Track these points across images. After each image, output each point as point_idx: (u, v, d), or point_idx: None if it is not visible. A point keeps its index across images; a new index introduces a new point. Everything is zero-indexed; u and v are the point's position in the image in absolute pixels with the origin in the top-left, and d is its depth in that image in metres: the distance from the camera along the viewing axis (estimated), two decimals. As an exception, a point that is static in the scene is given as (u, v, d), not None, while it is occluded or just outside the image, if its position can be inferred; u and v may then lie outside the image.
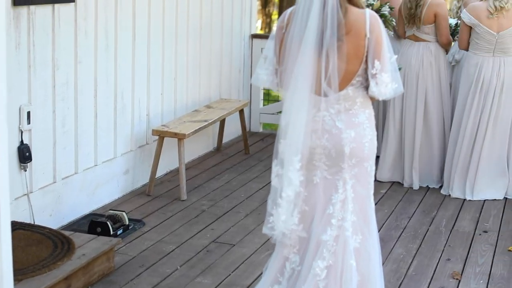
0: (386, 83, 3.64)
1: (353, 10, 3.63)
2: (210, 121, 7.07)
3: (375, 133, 3.81)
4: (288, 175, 3.62)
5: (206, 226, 5.94)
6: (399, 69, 3.95)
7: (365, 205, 3.79)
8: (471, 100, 6.65)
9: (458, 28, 7.07)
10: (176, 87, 7.35)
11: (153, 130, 6.68)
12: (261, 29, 24.41)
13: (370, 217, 3.80)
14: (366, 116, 3.74)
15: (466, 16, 6.60)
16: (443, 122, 7.12)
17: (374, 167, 3.83)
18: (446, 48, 7.00)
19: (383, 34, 3.66)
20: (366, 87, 3.71)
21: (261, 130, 9.23)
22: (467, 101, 6.68)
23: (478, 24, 6.55)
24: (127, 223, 5.79)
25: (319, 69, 3.60)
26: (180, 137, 6.57)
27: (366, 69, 3.66)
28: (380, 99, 3.70)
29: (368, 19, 3.62)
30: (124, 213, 5.80)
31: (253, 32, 9.00)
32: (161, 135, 6.63)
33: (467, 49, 6.76)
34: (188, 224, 5.97)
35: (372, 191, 3.82)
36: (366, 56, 3.63)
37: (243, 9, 8.75)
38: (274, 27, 3.81)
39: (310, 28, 3.56)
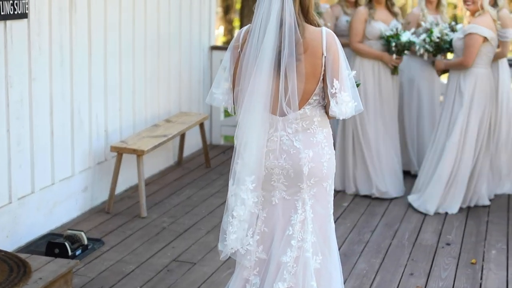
0: (346, 102, 3.59)
1: (310, 28, 3.58)
2: (169, 136, 6.97)
3: (334, 152, 3.76)
4: (240, 194, 3.57)
5: (167, 244, 5.83)
6: (358, 85, 3.88)
7: (325, 225, 3.74)
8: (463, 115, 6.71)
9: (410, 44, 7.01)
10: (134, 101, 7.24)
11: (111, 147, 6.56)
12: (223, 35, 24.41)
13: (330, 236, 3.75)
14: (324, 135, 3.69)
15: (486, 32, 6.53)
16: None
17: (333, 186, 3.78)
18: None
19: (340, 52, 3.60)
20: (324, 106, 3.66)
21: (222, 142, 9.15)
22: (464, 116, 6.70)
23: (495, 37, 6.59)
24: (85, 243, 5.67)
25: (276, 88, 3.54)
26: (139, 154, 6.46)
27: (323, 88, 3.61)
28: (341, 118, 3.64)
29: (325, 37, 3.57)
30: (82, 233, 5.67)
31: (212, 44, 8.91)
32: (119, 152, 6.52)
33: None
34: (148, 243, 5.87)
35: (331, 210, 3.77)
36: (324, 75, 3.58)
37: (202, 21, 8.67)
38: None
39: (267, 47, 3.49)
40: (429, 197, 6.64)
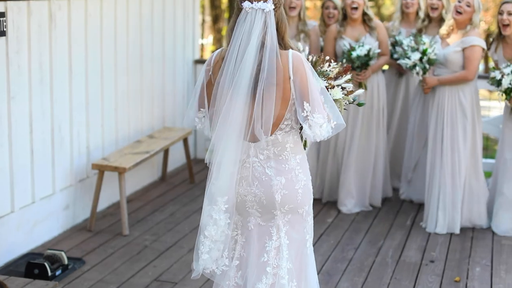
0: (319, 124, 3.51)
1: (281, 52, 3.53)
2: (152, 153, 6.91)
3: (310, 177, 3.70)
4: (212, 215, 3.54)
5: (148, 263, 5.77)
6: (360, 104, 3.88)
7: (301, 251, 3.70)
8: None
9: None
10: (117, 117, 7.18)
11: (92, 164, 6.50)
12: (212, 44, 24.36)
13: (307, 262, 3.70)
14: (298, 162, 3.64)
15: (483, 43, 6.52)
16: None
17: (311, 211, 3.72)
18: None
19: (309, 73, 3.53)
20: (300, 129, 3.61)
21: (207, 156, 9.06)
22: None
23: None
24: (66, 262, 5.60)
25: (250, 113, 3.50)
26: (120, 171, 6.40)
27: (295, 112, 3.55)
28: (317, 140, 3.56)
29: (291, 60, 3.51)
30: (62, 253, 5.60)
31: (196, 58, 8.86)
32: (101, 169, 6.45)
33: None
34: (129, 262, 5.80)
35: (308, 235, 3.72)
36: (294, 99, 3.52)
37: (186, 35, 8.62)
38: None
39: (245, 70, 3.44)
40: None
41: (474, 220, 6.65)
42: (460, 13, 6.40)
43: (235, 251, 3.71)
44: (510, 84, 6.34)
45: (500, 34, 6.54)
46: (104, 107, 6.93)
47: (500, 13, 6.45)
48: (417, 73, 6.62)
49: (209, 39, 30.87)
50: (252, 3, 3.48)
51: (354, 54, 6.78)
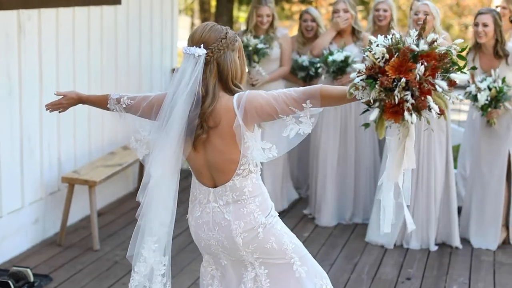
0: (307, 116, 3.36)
1: (224, 98, 3.38)
2: (124, 165, 6.76)
3: (273, 218, 3.54)
4: (142, 252, 3.48)
5: (118, 280, 5.62)
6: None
7: (289, 276, 3.54)
8: None
9: None
10: (90, 128, 7.02)
11: (62, 177, 6.34)
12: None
13: (300, 282, 3.54)
14: (257, 205, 3.51)
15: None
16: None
17: (281, 237, 3.52)
18: None
19: (257, 96, 3.33)
20: (256, 172, 3.51)
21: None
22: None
23: None
24: (31, 280, 5.45)
25: (202, 160, 3.45)
26: (90, 185, 6.25)
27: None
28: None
29: (236, 104, 3.33)
30: (28, 270, 5.45)
31: (174, 66, 8.72)
32: (70, 182, 6.30)
33: None
34: (98, 278, 5.65)
35: (294, 259, 3.53)
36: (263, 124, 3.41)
37: (163, 44, 8.47)
38: None
39: (175, 120, 3.33)
40: None
41: (447, 239, 6.51)
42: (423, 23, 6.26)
43: (213, 286, 3.67)
44: (486, 100, 6.24)
45: (476, 44, 6.43)
46: (76, 117, 6.78)
47: (476, 24, 6.33)
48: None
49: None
50: (188, 47, 3.38)
51: (330, 58, 6.67)
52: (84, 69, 6.86)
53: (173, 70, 8.66)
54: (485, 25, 6.26)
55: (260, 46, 6.89)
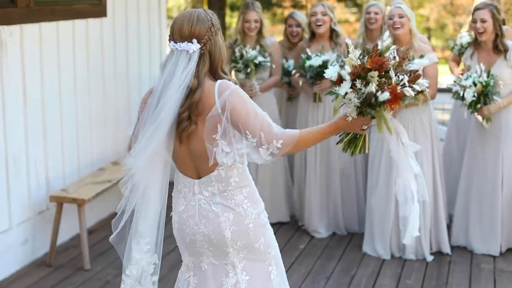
0: (266, 147, 3.28)
1: (206, 85, 3.28)
2: (114, 181, 6.60)
3: (261, 208, 3.47)
4: (134, 254, 3.38)
5: (109, 301, 5.48)
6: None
7: (265, 285, 3.47)
8: None
9: None
10: (78, 144, 6.87)
11: (50, 196, 6.19)
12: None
13: None
14: (245, 195, 3.42)
15: None
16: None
17: (270, 242, 3.47)
18: None
19: (243, 99, 3.25)
20: (242, 163, 3.39)
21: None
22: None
23: None
24: (20, 304, 5.31)
25: (186, 151, 3.35)
26: (79, 203, 6.10)
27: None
28: (266, 163, 3.39)
29: (217, 91, 3.25)
30: (16, 293, 5.32)
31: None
32: (59, 201, 6.15)
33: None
34: (89, 300, 5.51)
35: (272, 267, 3.47)
36: (232, 131, 3.29)
37: (152, 52, 8.31)
38: None
39: (165, 111, 3.21)
40: None
41: (439, 246, 6.36)
42: (398, 28, 6.13)
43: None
44: (474, 96, 6.06)
45: (476, 40, 6.29)
46: (64, 133, 6.63)
47: (474, 21, 6.19)
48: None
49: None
50: (176, 42, 3.27)
51: (307, 63, 6.51)
52: (70, 84, 6.71)
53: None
54: (483, 20, 6.12)
55: (260, 59, 6.73)
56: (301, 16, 7.36)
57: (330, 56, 6.56)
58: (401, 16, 6.07)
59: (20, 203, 6.10)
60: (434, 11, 27.33)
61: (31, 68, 6.16)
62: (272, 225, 3.65)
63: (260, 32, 6.90)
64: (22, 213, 6.14)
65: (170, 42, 3.30)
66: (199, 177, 3.38)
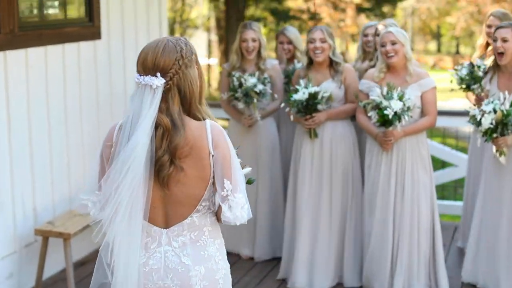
0: (241, 204, 3.05)
1: (192, 125, 3.01)
2: (104, 213, 6.34)
3: (228, 265, 3.22)
4: None
5: None
6: (250, 182, 3.30)
7: None
8: None
9: None
10: (69, 173, 6.61)
11: (35, 230, 5.96)
12: (218, 65, 24.12)
13: None
14: (217, 247, 3.16)
15: None
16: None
17: None
18: None
19: (231, 147, 3.06)
20: (216, 212, 3.12)
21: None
22: None
23: None
24: None
25: (157, 196, 3.02)
26: (65, 237, 5.85)
27: (214, 192, 3.07)
28: (238, 223, 3.08)
29: (210, 132, 3.02)
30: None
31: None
32: (44, 235, 5.91)
33: None
34: None
35: None
36: (214, 177, 3.03)
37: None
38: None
39: (137, 153, 2.92)
40: None
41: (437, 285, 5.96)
42: (392, 56, 5.79)
43: None
44: (491, 124, 5.62)
45: (496, 61, 5.88)
46: (53, 162, 6.38)
47: (494, 39, 5.78)
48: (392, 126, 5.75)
49: (214, 60, 30.51)
50: (140, 75, 2.99)
51: (293, 97, 6.05)
52: (60, 112, 6.46)
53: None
54: (504, 40, 5.70)
55: (260, 87, 6.37)
56: (293, 32, 6.97)
57: (328, 86, 6.11)
58: (393, 43, 5.74)
59: (4, 236, 5.87)
60: (461, 19, 27.01)
61: (16, 95, 5.93)
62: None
63: (259, 54, 6.58)
64: (7, 247, 5.91)
65: (136, 74, 3.04)
66: (167, 226, 3.08)
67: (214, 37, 31.96)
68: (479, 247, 6.02)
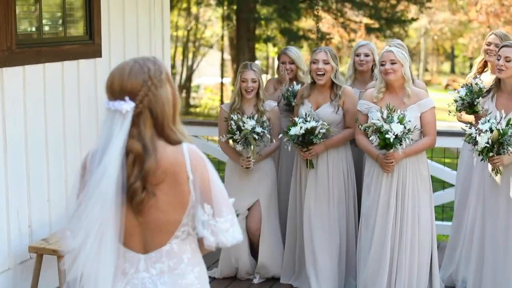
0: (224, 229, 2.94)
1: (167, 149, 2.92)
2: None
3: None
4: None
5: None
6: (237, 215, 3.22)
7: None
8: None
9: None
10: (66, 191, 6.56)
11: (29, 247, 5.93)
12: (232, 84, 24.15)
13: None
14: (196, 276, 3.04)
15: None
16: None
17: None
18: None
19: (210, 169, 2.96)
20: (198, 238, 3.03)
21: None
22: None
23: None
24: None
25: (132, 222, 2.92)
26: (59, 255, 5.81)
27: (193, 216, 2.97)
28: (225, 246, 2.99)
29: (188, 156, 2.92)
30: None
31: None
32: (38, 252, 5.88)
33: None
34: None
35: None
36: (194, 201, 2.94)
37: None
38: None
39: (108, 180, 2.84)
40: None
41: None
42: (390, 73, 5.77)
43: None
44: (487, 143, 5.60)
45: (498, 81, 5.87)
46: (50, 178, 6.35)
47: (498, 58, 5.79)
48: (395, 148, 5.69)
49: (227, 79, 30.55)
50: (109, 101, 2.89)
51: (291, 131, 6.09)
52: (58, 130, 6.42)
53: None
54: (508, 60, 5.71)
55: (258, 130, 6.30)
56: (294, 52, 6.95)
57: (326, 111, 6.16)
58: (393, 62, 5.73)
59: (-1, 252, 5.85)
60: (473, 40, 26.94)
61: (13, 112, 5.92)
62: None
63: (258, 95, 6.52)
64: (2, 263, 5.89)
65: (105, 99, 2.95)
66: (145, 251, 2.99)
67: (228, 56, 32.03)
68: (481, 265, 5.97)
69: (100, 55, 6.97)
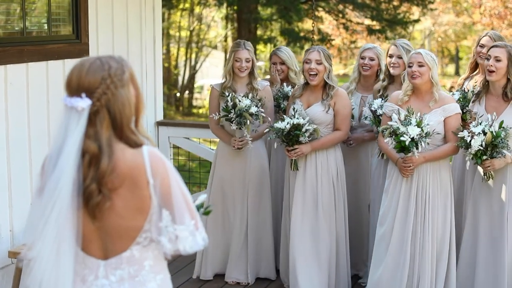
0: (182, 237, 2.80)
1: (126, 153, 2.78)
2: (83, 236, 6.14)
3: None
4: None
5: None
6: (207, 212, 3.05)
7: None
8: None
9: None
10: (50, 194, 6.40)
11: (9, 252, 5.80)
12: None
13: None
14: (158, 283, 2.90)
15: None
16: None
17: None
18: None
19: (171, 173, 2.81)
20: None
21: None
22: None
23: None
24: None
25: (89, 227, 2.78)
26: (38, 261, 5.64)
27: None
28: (184, 254, 2.84)
29: (148, 160, 2.78)
30: None
31: (158, 119, 8.11)
32: (19, 258, 5.70)
33: None
34: None
35: None
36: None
37: (147, 95, 7.85)
38: None
39: (62, 183, 2.68)
40: None
41: None
42: (416, 76, 5.58)
43: None
44: (481, 146, 5.43)
45: (486, 82, 5.71)
46: (32, 184, 6.16)
47: (487, 58, 5.63)
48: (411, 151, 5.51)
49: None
50: (67, 97, 2.74)
51: (277, 124, 5.95)
52: (42, 131, 6.25)
53: (157, 123, 8.07)
54: (498, 59, 5.55)
55: (254, 109, 6.15)
56: (285, 52, 6.79)
57: (315, 110, 5.99)
58: (420, 65, 5.55)
59: (-22, 258, 5.68)
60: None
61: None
62: None
63: (251, 74, 6.38)
64: (-20, 269, 5.73)
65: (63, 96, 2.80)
66: (105, 257, 2.85)
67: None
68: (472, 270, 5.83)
69: (87, 55, 6.78)
